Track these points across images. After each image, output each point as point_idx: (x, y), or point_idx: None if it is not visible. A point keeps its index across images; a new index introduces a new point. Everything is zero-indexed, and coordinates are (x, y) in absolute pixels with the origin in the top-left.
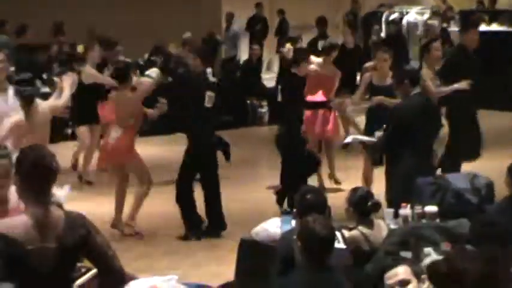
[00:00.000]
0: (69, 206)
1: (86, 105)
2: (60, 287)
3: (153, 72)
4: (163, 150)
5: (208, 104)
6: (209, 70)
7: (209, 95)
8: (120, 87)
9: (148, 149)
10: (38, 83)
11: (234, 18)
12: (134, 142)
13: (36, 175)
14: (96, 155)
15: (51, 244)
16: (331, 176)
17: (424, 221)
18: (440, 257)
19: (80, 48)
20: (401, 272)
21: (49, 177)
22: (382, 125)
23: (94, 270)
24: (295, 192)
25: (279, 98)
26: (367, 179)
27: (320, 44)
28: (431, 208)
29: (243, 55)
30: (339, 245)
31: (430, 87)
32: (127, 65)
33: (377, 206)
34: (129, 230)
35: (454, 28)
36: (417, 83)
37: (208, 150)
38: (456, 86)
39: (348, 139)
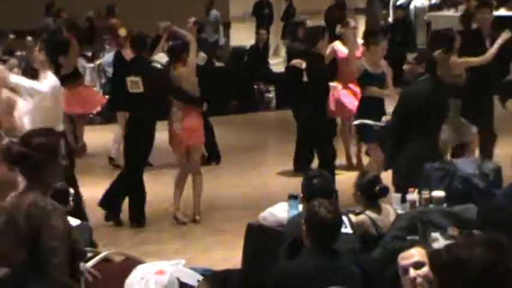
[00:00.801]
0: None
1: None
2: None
3: (161, 58)
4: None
5: (132, 89)
6: (203, 55)
7: (131, 80)
8: (178, 64)
9: None
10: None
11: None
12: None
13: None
14: None
15: (15, 231)
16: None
17: (431, 205)
18: (447, 242)
19: (122, 32)
20: (416, 253)
21: (15, 161)
22: (374, 114)
23: (102, 254)
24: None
25: (305, 78)
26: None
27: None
28: (439, 193)
29: (245, 41)
30: (346, 229)
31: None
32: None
33: (385, 190)
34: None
35: (461, 13)
36: (432, 70)
37: (129, 139)
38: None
39: (355, 122)
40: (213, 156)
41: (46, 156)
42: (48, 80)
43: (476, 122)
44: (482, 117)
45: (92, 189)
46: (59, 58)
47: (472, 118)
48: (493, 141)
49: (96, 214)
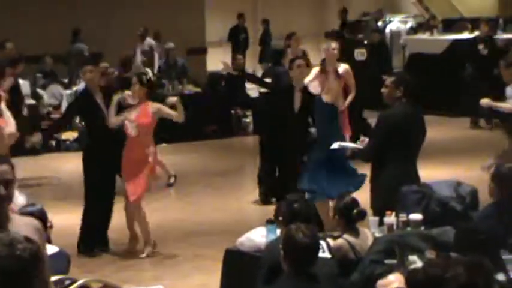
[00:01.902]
0: (56, 219)
1: None
2: None
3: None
4: None
5: None
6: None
7: None
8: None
9: None
10: None
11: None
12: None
13: None
14: None
15: None
16: None
17: (409, 229)
18: None
19: None
20: (395, 279)
21: None
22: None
23: (80, 281)
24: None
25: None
26: None
27: None
28: (416, 216)
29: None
30: (324, 254)
31: None
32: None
33: (362, 214)
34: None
35: (437, 37)
36: (409, 94)
37: None
38: None
39: (334, 145)
40: None
41: None
42: None
43: None
44: None
45: (69, 216)
46: None
47: None
48: None
49: (73, 241)
